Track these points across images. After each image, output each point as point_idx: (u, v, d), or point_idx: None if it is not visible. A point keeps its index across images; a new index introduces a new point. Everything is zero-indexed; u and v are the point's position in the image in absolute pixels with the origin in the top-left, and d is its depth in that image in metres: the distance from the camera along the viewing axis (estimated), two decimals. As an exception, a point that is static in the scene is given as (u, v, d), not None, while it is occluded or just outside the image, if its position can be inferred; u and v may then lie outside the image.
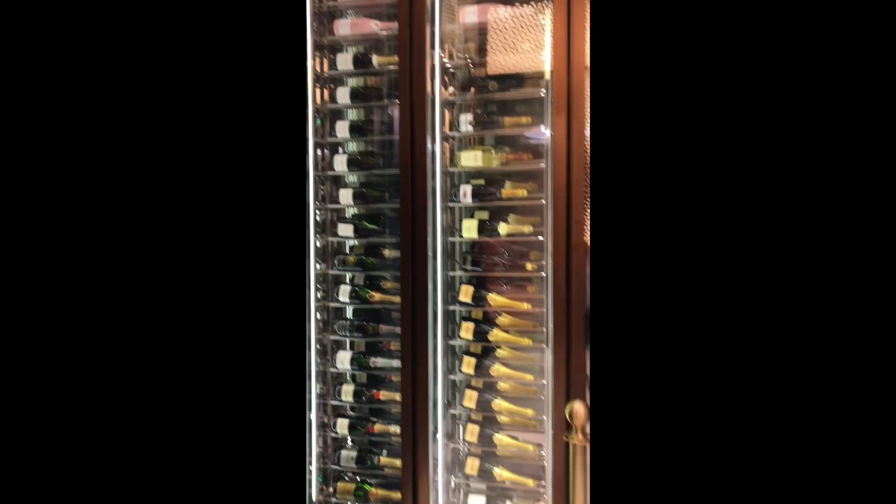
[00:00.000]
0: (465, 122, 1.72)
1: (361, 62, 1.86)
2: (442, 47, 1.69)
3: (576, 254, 1.52)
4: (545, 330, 1.65)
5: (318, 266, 1.92)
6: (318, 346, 1.93)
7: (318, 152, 1.91)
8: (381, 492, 1.89)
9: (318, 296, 1.92)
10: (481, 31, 1.77)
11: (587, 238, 1.53)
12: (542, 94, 1.62)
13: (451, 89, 1.75)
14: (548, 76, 1.55)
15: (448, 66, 1.75)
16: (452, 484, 1.84)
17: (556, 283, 1.54)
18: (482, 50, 1.76)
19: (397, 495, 1.83)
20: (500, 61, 1.73)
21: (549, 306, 1.59)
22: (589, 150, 1.52)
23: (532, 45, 1.65)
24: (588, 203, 1.52)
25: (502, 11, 1.72)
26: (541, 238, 1.67)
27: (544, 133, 1.61)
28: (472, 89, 1.76)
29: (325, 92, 1.91)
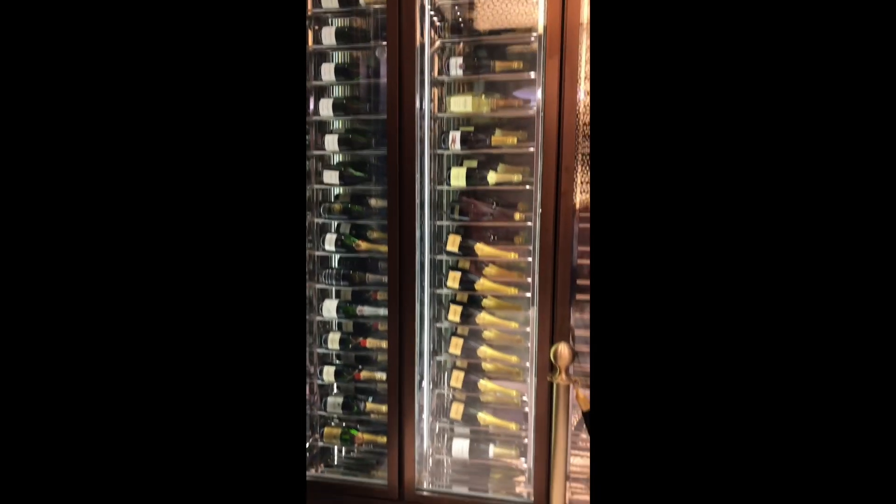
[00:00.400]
0: (455, 66, 1.67)
1: (347, 1, 1.78)
2: (432, -13, 1.62)
3: (564, 203, 1.51)
4: (531, 280, 1.67)
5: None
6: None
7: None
8: (367, 436, 1.94)
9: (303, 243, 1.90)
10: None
11: (576, 190, 1.52)
12: (534, 40, 1.57)
13: (440, 32, 1.69)
14: (541, 29, 1.51)
15: (439, 5, 1.68)
16: (437, 428, 1.89)
17: (544, 233, 1.54)
18: (472, 3, 1.70)
19: (383, 439, 1.87)
20: (490, 14, 1.67)
21: (536, 256, 1.60)
22: (584, 104, 1.50)
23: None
24: (579, 157, 1.50)
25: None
26: (529, 188, 1.66)
27: (535, 89, 1.57)
28: (463, 33, 1.71)
29: (310, 33, 1.84)
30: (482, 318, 1.79)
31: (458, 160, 1.80)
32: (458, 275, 1.78)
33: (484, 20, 1.71)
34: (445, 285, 1.79)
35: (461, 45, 1.73)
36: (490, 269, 1.81)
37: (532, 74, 1.62)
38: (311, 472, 1.93)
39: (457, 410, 1.81)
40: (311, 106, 1.86)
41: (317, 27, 1.84)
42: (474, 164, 1.78)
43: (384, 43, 1.66)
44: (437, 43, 1.68)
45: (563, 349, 1.30)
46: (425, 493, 1.76)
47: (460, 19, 1.76)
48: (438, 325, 1.84)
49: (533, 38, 1.58)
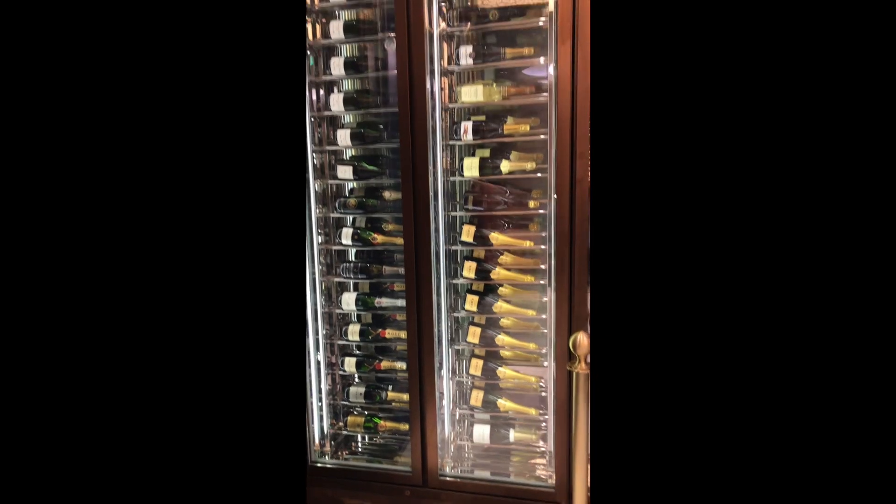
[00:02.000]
0: (465, 55, 1.66)
1: (354, -7, 1.77)
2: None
3: (580, 189, 1.51)
4: (547, 267, 1.67)
5: (318, 209, 1.91)
6: (322, 288, 1.95)
7: (314, 92, 1.85)
8: (389, 424, 1.98)
9: (321, 239, 1.93)
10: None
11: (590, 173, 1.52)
12: (544, 23, 1.55)
13: (449, 21, 1.68)
14: (552, 7, 1.48)
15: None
16: (458, 415, 1.93)
17: (560, 220, 1.55)
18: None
19: (405, 426, 1.91)
20: None
21: (552, 243, 1.60)
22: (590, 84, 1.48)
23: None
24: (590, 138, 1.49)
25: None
26: (542, 175, 1.66)
27: (547, 69, 1.56)
28: (472, 20, 1.69)
29: (318, 28, 1.83)
30: (499, 306, 1.81)
31: (471, 150, 1.80)
32: (473, 264, 1.79)
33: None
34: (461, 275, 1.80)
35: (470, 32, 1.72)
36: (505, 258, 1.82)
37: (542, 60, 1.60)
38: (336, 460, 1.98)
39: (476, 397, 1.84)
40: (322, 100, 1.87)
41: (324, 20, 1.83)
42: (487, 152, 1.78)
43: (392, 34, 1.65)
44: (446, 28, 1.67)
45: (581, 338, 1.31)
46: (448, 479, 1.80)
47: (469, 2, 1.74)
48: (455, 314, 1.86)
49: (542, 22, 1.55)
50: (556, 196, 1.54)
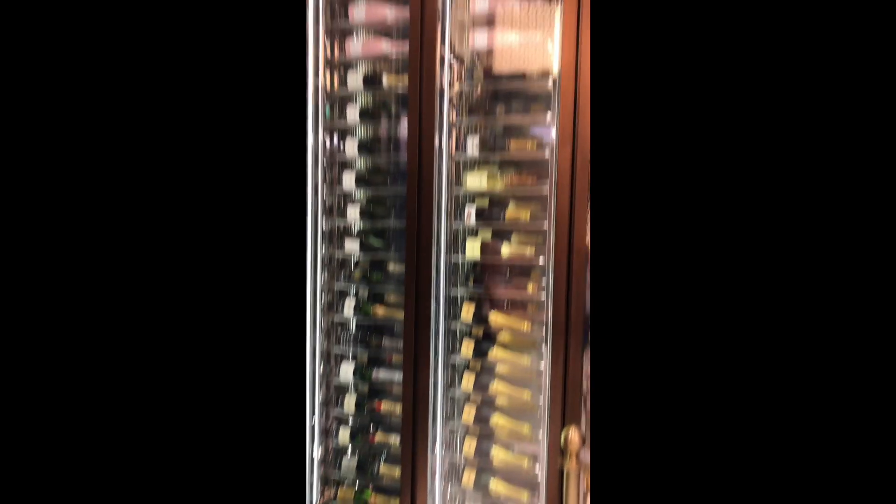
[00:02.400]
0: (472, 145, 1.75)
1: (371, 81, 1.90)
2: (451, 68, 1.72)
3: (576, 278, 1.56)
4: (543, 351, 1.70)
5: (322, 278, 1.96)
6: (322, 355, 1.98)
7: (327, 168, 1.95)
8: (380, 498, 1.96)
9: (323, 307, 1.97)
10: (489, 53, 1.80)
11: (587, 263, 1.57)
12: (549, 120, 1.65)
13: (458, 111, 1.78)
14: (550, 85, 1.58)
15: (456, 88, 1.78)
16: (449, 494, 1.90)
17: (556, 306, 1.59)
18: (488, 70, 1.79)
19: (395, 502, 1.89)
20: (506, 63, 1.76)
21: (548, 327, 1.64)
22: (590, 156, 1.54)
23: (538, 56, 1.68)
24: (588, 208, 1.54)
25: (513, 9, 1.75)
26: (542, 262, 1.71)
27: (550, 130, 1.62)
28: (479, 112, 1.79)
29: (337, 110, 1.95)
30: (495, 387, 1.82)
31: (474, 231, 1.87)
32: (471, 343, 1.82)
33: (501, 64, 1.79)
34: (459, 352, 1.83)
35: (477, 124, 1.82)
36: (503, 336, 1.85)
37: (546, 153, 1.69)
38: (323, 533, 1.95)
39: (468, 478, 1.82)
40: (335, 174, 1.96)
41: (342, 103, 1.95)
42: (489, 234, 1.84)
43: (405, 118, 1.76)
44: (455, 121, 1.77)
45: (572, 435, 1.32)
46: (436, 562, 1.76)
47: (476, 96, 1.85)
48: (452, 391, 1.88)
49: (550, 85, 1.63)
50: (553, 284, 1.59)
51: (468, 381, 1.82)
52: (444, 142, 1.71)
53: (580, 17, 1.51)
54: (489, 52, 1.80)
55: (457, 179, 1.83)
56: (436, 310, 1.75)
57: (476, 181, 1.76)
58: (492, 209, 1.78)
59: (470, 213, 1.77)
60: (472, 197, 1.85)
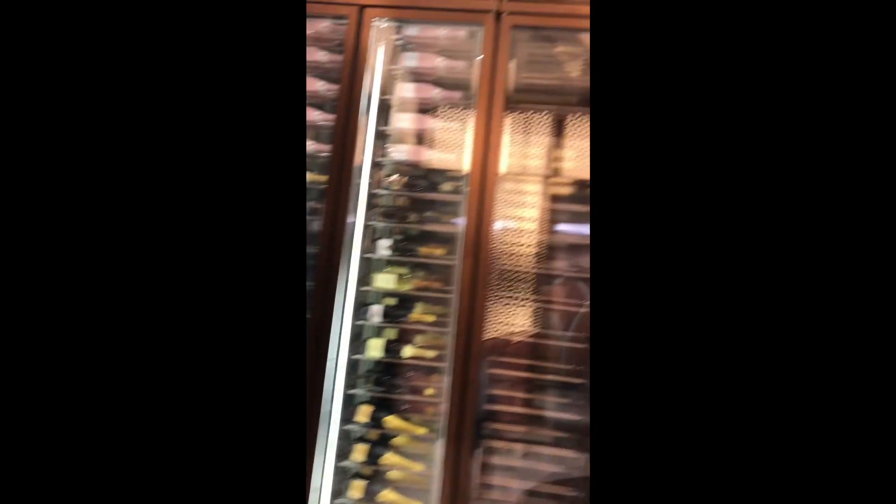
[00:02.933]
0: (383, 246, 1.82)
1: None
2: (370, 173, 1.83)
3: (469, 391, 1.58)
4: (436, 460, 1.67)
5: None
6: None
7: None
8: None
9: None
10: (410, 164, 1.94)
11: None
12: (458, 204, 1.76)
13: (373, 217, 1.86)
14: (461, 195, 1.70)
15: (378, 196, 1.87)
16: None
17: (451, 414, 1.59)
18: (405, 177, 1.92)
19: None
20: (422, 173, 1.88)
21: (445, 436, 1.62)
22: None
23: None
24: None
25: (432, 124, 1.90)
26: (443, 365, 1.73)
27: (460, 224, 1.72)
28: (394, 220, 1.88)
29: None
30: (384, 495, 1.73)
31: (378, 331, 1.87)
32: (365, 448, 1.75)
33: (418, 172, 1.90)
34: (350, 457, 1.75)
35: (392, 229, 1.90)
36: (399, 440, 1.80)
37: (455, 259, 1.78)
38: None
39: None
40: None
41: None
42: (393, 334, 1.85)
43: (318, 218, 1.81)
44: (370, 223, 1.84)
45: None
46: None
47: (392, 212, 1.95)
48: (340, 501, 1.76)
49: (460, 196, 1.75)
50: (449, 393, 1.61)
51: (357, 489, 1.72)
52: (356, 242, 1.76)
53: (490, 137, 1.69)
54: (408, 164, 1.94)
55: (365, 278, 1.87)
56: (329, 410, 1.69)
57: (384, 281, 1.80)
58: (398, 309, 1.81)
59: (375, 312, 1.79)
60: (379, 296, 1.88)
